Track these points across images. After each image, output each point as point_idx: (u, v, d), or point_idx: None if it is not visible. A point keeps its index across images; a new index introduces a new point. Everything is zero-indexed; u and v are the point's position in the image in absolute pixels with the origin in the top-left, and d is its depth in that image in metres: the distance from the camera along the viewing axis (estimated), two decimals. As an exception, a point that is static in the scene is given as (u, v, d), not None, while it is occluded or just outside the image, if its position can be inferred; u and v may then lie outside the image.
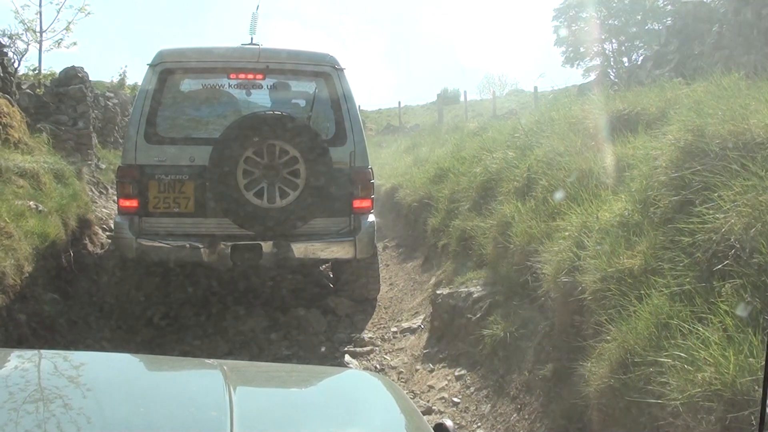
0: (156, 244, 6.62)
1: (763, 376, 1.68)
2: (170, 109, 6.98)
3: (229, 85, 7.35)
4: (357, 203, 6.97)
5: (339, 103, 7.00)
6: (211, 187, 6.59)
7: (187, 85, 7.30)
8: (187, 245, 6.64)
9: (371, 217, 7.12)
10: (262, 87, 7.37)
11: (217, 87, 7.36)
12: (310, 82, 7.28)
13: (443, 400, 5.20)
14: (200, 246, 6.63)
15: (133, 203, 6.67)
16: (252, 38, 7.69)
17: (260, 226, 6.64)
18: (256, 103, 7.65)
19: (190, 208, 6.71)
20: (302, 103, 7.40)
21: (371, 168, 7.20)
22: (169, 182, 6.68)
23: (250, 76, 7.14)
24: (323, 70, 7.10)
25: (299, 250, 6.79)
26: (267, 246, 6.69)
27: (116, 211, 7.06)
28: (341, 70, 7.11)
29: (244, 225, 6.65)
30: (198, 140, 6.83)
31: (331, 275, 8.35)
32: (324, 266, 8.64)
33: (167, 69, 6.88)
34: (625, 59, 34.22)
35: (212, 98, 7.37)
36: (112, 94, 18.80)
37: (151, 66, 6.87)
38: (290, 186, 6.65)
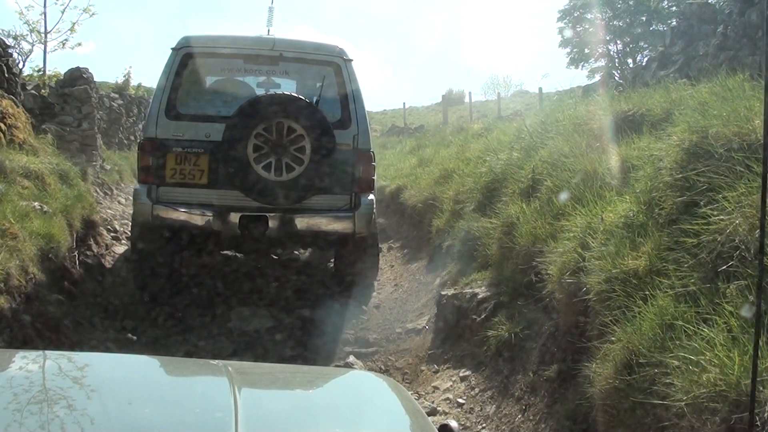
0: (170, 210, 7.03)
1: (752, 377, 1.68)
2: (189, 89, 7.43)
3: (245, 70, 7.88)
4: (358, 182, 7.36)
5: (345, 90, 7.41)
6: (224, 160, 7.00)
7: (206, 68, 7.70)
8: (199, 213, 7.05)
9: (371, 196, 7.48)
10: (275, 73, 7.86)
11: (234, 71, 7.83)
12: (320, 70, 7.61)
13: (448, 401, 5.20)
14: (211, 214, 7.05)
15: (152, 173, 7.11)
16: (269, 30, 8.30)
17: (267, 197, 7.04)
18: (269, 87, 8.13)
19: (203, 180, 7.13)
20: (312, 88, 7.73)
21: (373, 151, 7.58)
22: (186, 155, 7.10)
23: (265, 63, 7.63)
24: (332, 59, 7.51)
25: (302, 223, 7.18)
26: (273, 218, 7.09)
27: (136, 180, 7.62)
28: (349, 60, 7.51)
29: (252, 195, 7.04)
30: (214, 118, 7.23)
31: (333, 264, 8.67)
32: (329, 262, 8.72)
33: (188, 53, 7.31)
34: (629, 60, 34.18)
35: (228, 81, 7.85)
36: (116, 95, 18.85)
37: (174, 50, 7.30)
38: (296, 161, 7.02)
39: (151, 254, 7.38)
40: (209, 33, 7.85)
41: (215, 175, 7.11)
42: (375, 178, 7.75)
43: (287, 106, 6.97)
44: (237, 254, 9.15)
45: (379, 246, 9.00)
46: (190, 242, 7.53)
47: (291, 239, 7.62)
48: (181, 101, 7.28)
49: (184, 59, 7.28)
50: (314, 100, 7.16)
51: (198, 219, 7.07)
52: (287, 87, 8.04)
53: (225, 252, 9.20)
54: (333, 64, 7.49)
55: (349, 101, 7.39)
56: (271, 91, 7.63)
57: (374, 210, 7.59)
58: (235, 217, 7.05)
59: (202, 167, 7.10)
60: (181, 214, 7.05)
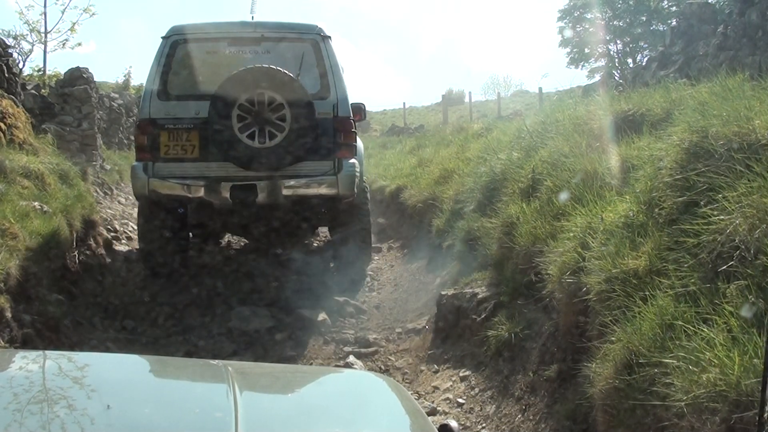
0: (165, 183, 7.58)
1: (762, 378, 1.67)
2: (179, 73, 7.92)
3: (230, 52, 8.27)
4: (340, 147, 7.81)
5: (324, 64, 7.92)
6: (211, 129, 7.49)
7: (194, 52, 8.10)
8: (192, 185, 7.56)
9: (353, 160, 7.93)
10: (258, 53, 8.20)
11: (219, 53, 8.24)
12: (300, 47, 8.04)
13: (448, 401, 5.20)
14: (203, 185, 7.54)
15: (147, 150, 7.66)
16: (252, 17, 8.82)
17: (252, 164, 7.52)
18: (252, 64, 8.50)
19: (195, 154, 7.66)
20: (293, 64, 8.05)
21: (353, 119, 8.08)
22: (178, 132, 7.65)
23: (248, 44, 8.12)
24: (311, 37, 8.03)
25: (288, 189, 7.67)
26: (261, 187, 7.57)
27: (134, 158, 8.05)
28: (327, 37, 8.04)
29: (238, 162, 7.52)
30: (202, 97, 7.69)
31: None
32: (331, 264, 8.76)
33: (177, 40, 7.87)
34: (629, 60, 34.19)
35: (214, 63, 8.24)
36: (116, 95, 18.84)
37: (164, 38, 7.87)
38: (278, 129, 7.51)
39: (156, 227, 7.95)
40: (196, 22, 8.36)
41: (205, 148, 7.62)
42: (357, 144, 8.30)
43: (267, 77, 7.43)
44: (242, 239, 9.62)
45: (377, 245, 9.11)
46: (192, 216, 8.18)
47: (279, 205, 7.93)
48: (172, 84, 7.80)
49: (173, 46, 7.83)
50: (296, 75, 7.59)
51: (191, 190, 7.54)
52: (269, 63, 8.36)
53: (229, 248, 9.28)
54: (311, 41, 7.98)
55: (327, 74, 7.88)
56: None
57: (357, 173, 7.99)
58: (225, 187, 7.51)
59: (193, 142, 7.62)
60: (175, 187, 7.56)
